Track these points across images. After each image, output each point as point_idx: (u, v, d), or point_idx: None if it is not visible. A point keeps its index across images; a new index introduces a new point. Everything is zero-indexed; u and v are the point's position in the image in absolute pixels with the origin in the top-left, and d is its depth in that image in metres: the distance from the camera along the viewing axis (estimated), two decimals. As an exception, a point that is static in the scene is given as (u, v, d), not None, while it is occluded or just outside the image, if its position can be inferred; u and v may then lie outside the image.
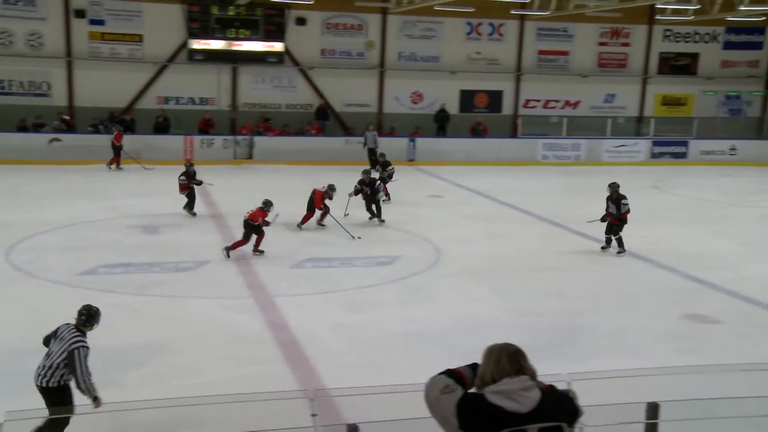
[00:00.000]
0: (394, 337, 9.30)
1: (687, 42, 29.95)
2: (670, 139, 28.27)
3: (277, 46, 25.88)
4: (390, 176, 18.47)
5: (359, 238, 14.33)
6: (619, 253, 13.70)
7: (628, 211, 13.68)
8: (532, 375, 2.98)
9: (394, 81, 27.47)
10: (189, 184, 15.95)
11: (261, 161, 24.16)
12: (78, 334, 6.10)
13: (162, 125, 24.80)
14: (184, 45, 25.37)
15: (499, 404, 2.89)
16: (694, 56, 30.12)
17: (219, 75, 26.06)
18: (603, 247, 13.98)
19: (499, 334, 3.13)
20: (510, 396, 2.89)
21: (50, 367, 6.02)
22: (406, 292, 11.20)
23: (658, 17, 28.57)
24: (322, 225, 15.24)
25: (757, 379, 4.99)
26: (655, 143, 27.86)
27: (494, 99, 28.64)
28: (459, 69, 27.85)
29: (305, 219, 15.08)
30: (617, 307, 10.74)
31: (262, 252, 13.01)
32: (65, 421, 5.81)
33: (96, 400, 5.92)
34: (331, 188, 15.12)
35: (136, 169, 22.07)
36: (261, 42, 25.65)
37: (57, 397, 5.98)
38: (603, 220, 13.84)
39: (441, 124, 27.39)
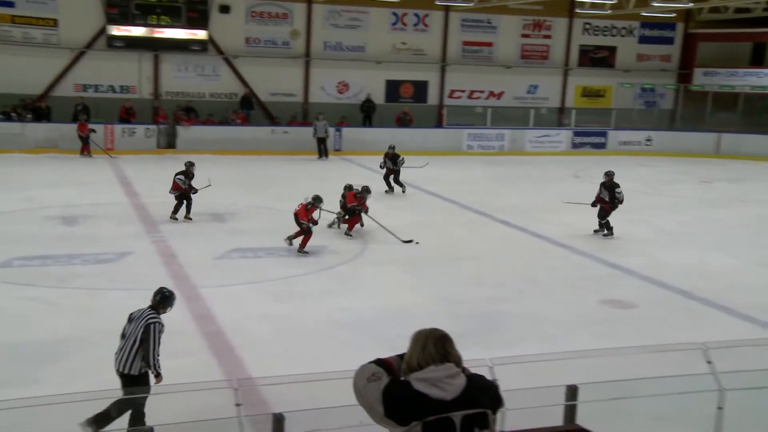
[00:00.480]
0: (321, 326, 9.29)
1: (605, 35, 30.80)
2: (590, 129, 29.05)
3: (200, 34, 25.37)
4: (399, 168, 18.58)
5: (417, 242, 13.53)
6: (605, 235, 14.45)
7: (622, 199, 14.39)
8: (458, 361, 3.00)
9: (319, 70, 27.32)
10: (185, 188, 14.41)
11: (184, 151, 23.66)
12: (153, 312, 6.38)
13: (81, 113, 24.00)
14: (102, 31, 24.58)
15: (424, 391, 2.91)
16: (612, 49, 31.00)
17: (140, 62, 25.38)
18: (596, 231, 14.60)
19: (424, 322, 3.16)
20: (435, 383, 2.91)
21: (130, 347, 6.19)
22: (332, 282, 11.19)
23: (577, 11, 29.27)
24: (349, 235, 13.86)
25: (670, 359, 5.20)
26: (576, 133, 28.58)
27: (420, 89, 28.83)
28: (385, 59, 27.90)
29: (352, 224, 13.95)
30: (538, 294, 10.99)
31: (306, 253, 12.43)
32: (142, 413, 5.92)
33: (158, 376, 6.18)
34: (366, 190, 14.08)
35: (53, 158, 21.31)
36: (183, 29, 25.09)
37: (139, 382, 6.15)
38: (594, 205, 14.57)
39: (367, 113, 27.40)
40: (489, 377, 3.12)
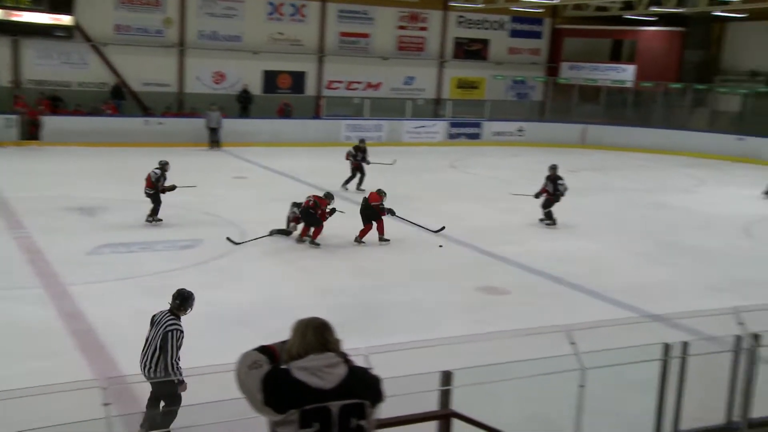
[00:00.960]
0: (198, 320, 9.04)
1: (478, 29, 31.66)
2: (465, 120, 29.82)
3: (65, 20, 24.11)
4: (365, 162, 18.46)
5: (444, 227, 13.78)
6: (548, 224, 15.22)
7: (565, 190, 15.32)
8: (338, 349, 3.01)
9: (195, 60, 26.60)
10: (157, 185, 13.50)
11: (51, 143, 22.49)
12: (173, 318, 6.25)
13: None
14: (-45, 13, 22.94)
15: (303, 380, 2.90)
16: (485, 42, 31.91)
17: (-3, 48, 23.87)
18: (541, 219, 15.38)
19: (305, 313, 3.15)
20: (314, 372, 2.91)
21: (152, 355, 6.12)
22: (210, 276, 10.96)
23: (451, 3, 29.93)
24: (385, 240, 13.26)
25: (539, 341, 5.44)
26: (452, 124, 29.25)
27: (297, 80, 28.64)
28: (261, 49, 27.51)
29: (364, 232, 13.20)
30: (416, 283, 11.19)
31: (318, 245, 12.66)
32: (174, 414, 5.80)
33: (181, 383, 6.03)
34: (381, 192, 13.48)
35: None
36: (46, 14, 23.75)
37: (166, 387, 6.05)
38: (537, 196, 15.33)
39: (244, 104, 26.96)
40: (365, 366, 3.14)
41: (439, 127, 29.03)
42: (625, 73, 31.72)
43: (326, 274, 11.38)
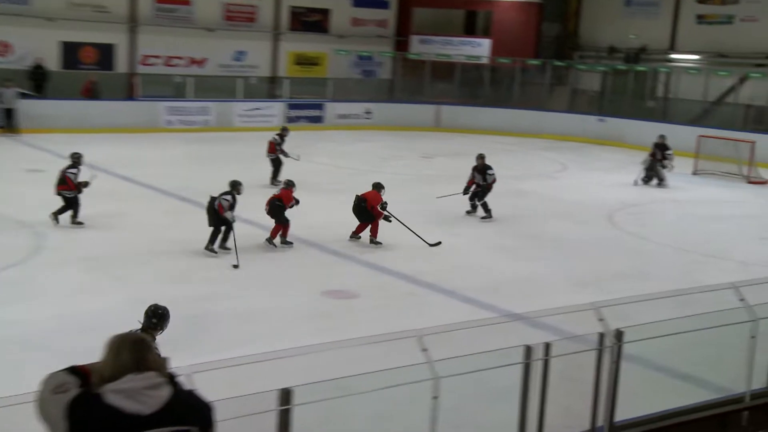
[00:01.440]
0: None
1: (317, -4, 31.80)
2: (305, 101, 29.86)
3: None
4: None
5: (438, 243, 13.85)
6: (483, 218, 15.83)
7: (494, 181, 15.89)
8: (160, 369, 2.92)
9: (-28, 28, 24.97)
10: (76, 185, 13.54)
11: None
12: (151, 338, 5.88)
13: None
14: None
15: (117, 405, 2.80)
16: (325, 12, 32.08)
17: None
18: (468, 212, 16.01)
19: (118, 330, 3.02)
20: (131, 395, 2.82)
21: None
22: (-1, 291, 10.35)
23: (285, -33, 29.93)
24: (377, 243, 13.61)
25: (392, 349, 5.53)
26: (291, 106, 29.21)
27: (104, 54, 27.52)
28: (58, 16, 26.18)
29: (360, 229, 13.70)
30: (253, 288, 11.10)
31: (291, 243, 13.18)
32: None
33: None
34: (379, 188, 13.86)
35: None
36: None
37: None
38: (466, 192, 15.94)
39: (38, 82, 25.59)
40: (188, 387, 3.07)
41: (276, 109, 28.90)
42: (481, 48, 32.93)
43: (143, 281, 11.04)
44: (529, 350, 5.77)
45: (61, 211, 13.67)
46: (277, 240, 13.23)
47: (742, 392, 6.83)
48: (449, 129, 30.07)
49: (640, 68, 30.63)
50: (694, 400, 6.86)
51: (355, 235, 13.82)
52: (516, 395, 5.84)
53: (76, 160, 14.02)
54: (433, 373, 4.92)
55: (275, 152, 18.96)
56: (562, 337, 7.02)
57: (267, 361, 5.21)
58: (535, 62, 32.46)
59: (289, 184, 13.73)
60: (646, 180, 20.77)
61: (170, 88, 27.67)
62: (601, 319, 5.91)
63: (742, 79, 27.90)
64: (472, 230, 15.24)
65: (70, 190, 13.67)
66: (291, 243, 13.25)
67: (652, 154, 20.81)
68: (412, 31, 33.73)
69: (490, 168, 16.11)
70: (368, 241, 13.67)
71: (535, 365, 5.83)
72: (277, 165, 18.96)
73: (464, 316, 9.79)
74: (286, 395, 4.39)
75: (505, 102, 31.91)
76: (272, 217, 13.33)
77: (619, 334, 6.06)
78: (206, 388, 3.54)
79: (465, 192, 16.05)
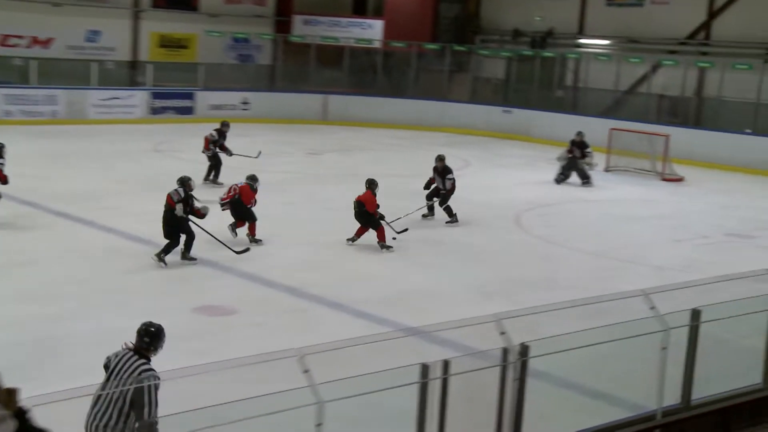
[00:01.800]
0: None
1: (185, -31, 31.43)
2: (172, 90, 29.50)
3: None
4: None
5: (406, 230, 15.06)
6: (449, 222, 16.47)
7: (453, 185, 16.59)
8: (8, 402, 2.91)
9: None
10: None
11: None
12: (143, 361, 6.02)
13: None
14: None
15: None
16: (194, -13, 31.77)
17: None
18: (425, 215, 16.67)
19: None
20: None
21: (117, 415, 5.69)
22: None
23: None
24: (388, 247, 14.56)
25: (273, 371, 5.55)
26: (156, 95, 28.81)
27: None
28: None
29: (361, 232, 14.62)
30: (112, 307, 10.91)
31: (260, 241, 14.22)
32: None
33: None
34: (372, 186, 14.79)
35: None
36: None
37: None
38: (429, 198, 16.70)
39: None
40: (32, 423, 3.04)
41: (138, 98, 28.45)
42: (372, 31, 33.22)
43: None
44: (425, 369, 5.88)
45: None
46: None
47: (654, 410, 7.14)
48: (338, 122, 30.25)
49: (547, 54, 31.51)
50: (604, 419, 7.13)
51: (354, 238, 14.60)
52: (412, 419, 5.95)
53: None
54: (317, 398, 4.97)
55: (209, 149, 19.11)
56: (462, 354, 7.19)
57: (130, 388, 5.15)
58: (432, 47, 32.98)
59: (253, 179, 14.75)
60: (563, 179, 21.41)
61: (8, 73, 26.87)
62: (502, 333, 6.09)
63: (655, 67, 29.09)
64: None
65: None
66: (260, 240, 14.27)
67: (570, 151, 21.45)
68: (295, 11, 33.74)
69: (450, 172, 16.79)
70: (378, 247, 14.42)
71: (432, 385, 5.95)
72: (214, 163, 19.06)
73: (355, 332, 9.87)
74: (149, 428, 4.36)
75: (400, 91, 32.32)
76: (235, 215, 14.46)
77: (524, 349, 6.24)
78: (53, 423, 3.50)
79: (428, 198, 16.79)
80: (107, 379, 6.07)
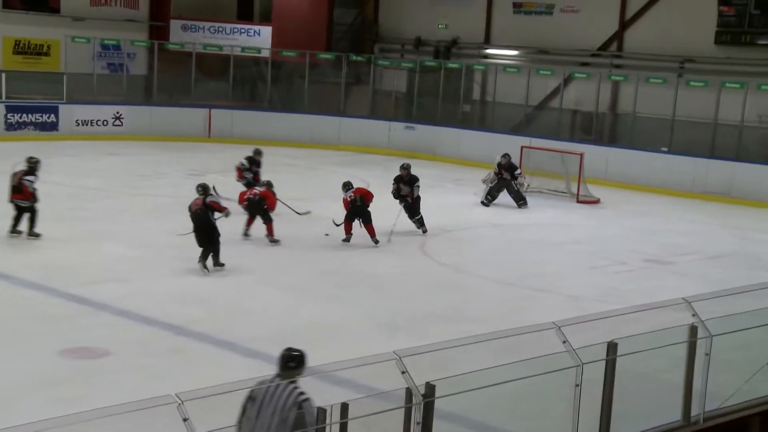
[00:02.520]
0: None
1: (44, -34, 30.87)
2: (32, 103, 28.92)
3: None
4: None
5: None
6: (425, 232, 18.34)
7: (418, 197, 18.36)
8: None
9: None
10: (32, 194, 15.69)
11: None
12: (296, 386, 6.28)
13: None
14: None
15: None
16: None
17: None
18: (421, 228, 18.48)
19: None
20: None
21: None
22: None
23: None
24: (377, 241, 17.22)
25: (145, 420, 5.54)
26: (11, 108, 28.22)
27: None
28: None
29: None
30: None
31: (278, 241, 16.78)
32: None
33: None
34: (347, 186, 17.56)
35: None
36: None
37: None
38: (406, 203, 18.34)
39: None
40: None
41: (-7, 112, 27.78)
42: (259, 38, 33.26)
43: None
44: (322, 412, 5.94)
45: (30, 222, 15.69)
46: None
47: (568, 452, 7.33)
48: (223, 139, 30.12)
49: (452, 65, 31.99)
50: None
51: (348, 238, 17.10)
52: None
53: (33, 165, 15.85)
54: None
55: (243, 177, 19.78)
56: (363, 395, 7.27)
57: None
58: (327, 56, 33.16)
59: (270, 185, 17.28)
60: (490, 200, 21.95)
61: None
62: (403, 372, 6.18)
63: (567, 80, 29.82)
64: (257, 265, 15.36)
65: (26, 199, 15.59)
66: (278, 240, 16.72)
67: (498, 173, 21.94)
68: (172, 15, 33.52)
69: (417, 180, 18.41)
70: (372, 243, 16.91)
71: (330, 430, 6.00)
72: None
73: (245, 373, 9.82)
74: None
75: (291, 105, 32.40)
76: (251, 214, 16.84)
77: (429, 389, 6.33)
78: None
79: (403, 203, 18.39)
80: (258, 412, 6.24)
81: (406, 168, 18.56)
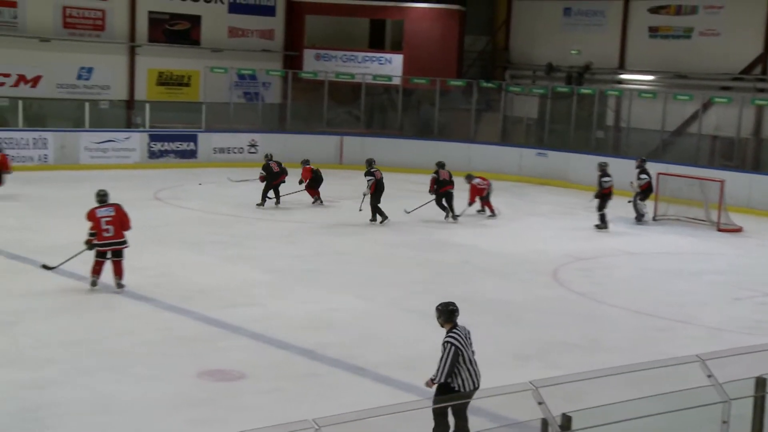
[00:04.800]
0: None
1: (184, 0, 31.73)
2: (173, 132, 29.77)
3: None
4: None
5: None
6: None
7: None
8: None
9: None
10: None
11: None
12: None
13: None
14: None
15: None
16: (195, 19, 32.17)
17: None
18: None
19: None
20: None
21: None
22: None
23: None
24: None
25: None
26: (154, 138, 29.07)
27: None
28: None
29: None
30: (106, 371, 10.94)
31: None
32: None
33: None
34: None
35: None
36: None
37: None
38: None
39: None
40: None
41: (135, 141, 28.72)
42: (391, 66, 33.50)
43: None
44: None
45: None
46: None
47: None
48: (354, 165, 30.31)
49: (584, 91, 31.58)
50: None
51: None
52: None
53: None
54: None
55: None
56: (497, 425, 7.18)
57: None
58: (457, 83, 33.16)
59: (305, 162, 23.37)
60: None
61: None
62: (540, 403, 6.08)
63: (706, 105, 29.07)
64: (385, 290, 15.39)
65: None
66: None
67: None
68: (306, 45, 34.07)
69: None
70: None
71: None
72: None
73: (378, 400, 9.85)
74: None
75: (422, 132, 32.44)
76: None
77: (566, 420, 6.22)
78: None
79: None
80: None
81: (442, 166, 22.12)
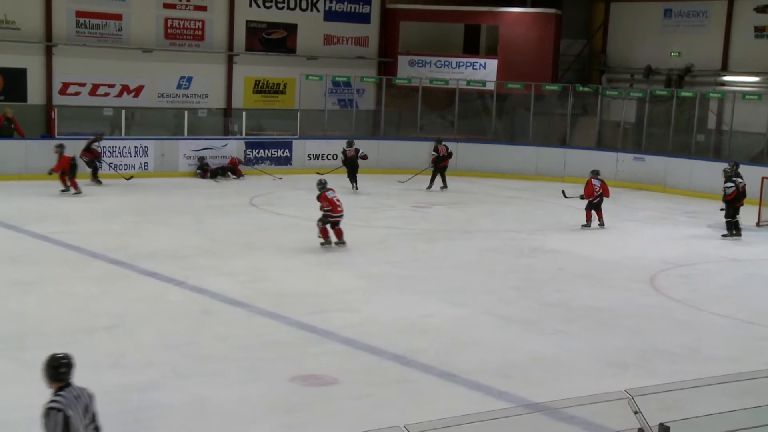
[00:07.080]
0: None
1: (280, 9, 32.10)
2: (269, 138, 30.10)
3: None
4: None
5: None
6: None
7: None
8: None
9: None
10: None
11: None
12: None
13: None
14: None
15: None
16: (291, 28, 32.44)
17: None
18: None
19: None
20: None
21: None
22: None
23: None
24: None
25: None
26: (250, 144, 29.39)
27: (14, 81, 27.58)
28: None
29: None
30: (202, 375, 11.06)
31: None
32: None
33: None
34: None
35: None
36: None
37: None
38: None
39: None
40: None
41: (232, 148, 29.06)
42: (485, 71, 33.33)
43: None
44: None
45: None
46: None
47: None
48: (448, 171, 30.24)
49: (685, 94, 30.96)
50: None
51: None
52: None
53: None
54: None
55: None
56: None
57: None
58: (553, 87, 32.83)
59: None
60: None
61: (97, 123, 27.72)
62: (636, 412, 5.93)
63: (815, 107, 28.27)
64: (479, 297, 15.28)
65: None
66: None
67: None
68: (400, 51, 34.14)
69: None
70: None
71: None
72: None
73: (470, 407, 9.78)
74: None
75: (516, 137, 32.21)
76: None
77: (664, 430, 6.08)
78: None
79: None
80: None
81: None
